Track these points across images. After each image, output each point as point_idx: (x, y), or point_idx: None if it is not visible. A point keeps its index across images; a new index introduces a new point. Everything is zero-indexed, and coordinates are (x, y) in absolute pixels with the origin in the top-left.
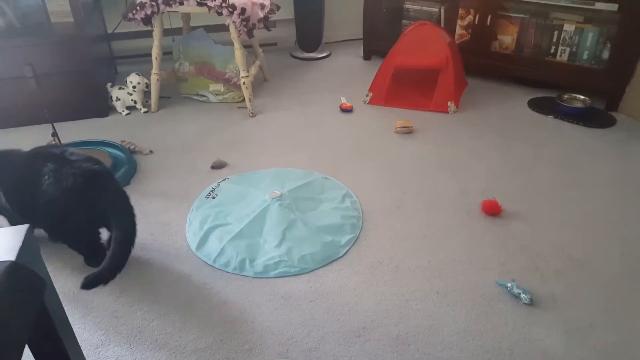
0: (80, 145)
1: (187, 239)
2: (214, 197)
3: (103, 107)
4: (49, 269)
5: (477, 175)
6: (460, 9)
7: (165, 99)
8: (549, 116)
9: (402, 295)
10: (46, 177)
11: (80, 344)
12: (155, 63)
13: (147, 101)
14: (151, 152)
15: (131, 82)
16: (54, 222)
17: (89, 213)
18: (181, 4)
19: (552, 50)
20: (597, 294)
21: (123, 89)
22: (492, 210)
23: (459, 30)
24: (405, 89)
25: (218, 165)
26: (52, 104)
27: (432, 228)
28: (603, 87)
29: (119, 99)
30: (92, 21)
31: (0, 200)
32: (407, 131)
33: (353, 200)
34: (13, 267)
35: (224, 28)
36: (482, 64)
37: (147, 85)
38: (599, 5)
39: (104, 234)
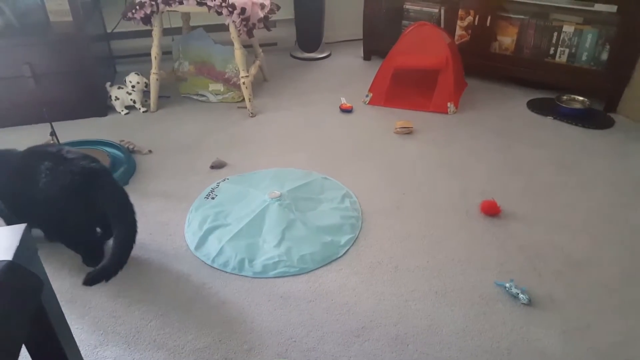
0: (79, 144)
1: (186, 239)
2: (213, 198)
3: (102, 107)
4: (46, 269)
5: (476, 175)
6: (460, 10)
7: (165, 99)
8: (548, 117)
9: (401, 296)
10: (43, 175)
11: (78, 344)
12: (154, 62)
13: (146, 101)
14: (150, 151)
15: (130, 82)
16: (51, 221)
17: (87, 211)
18: (181, 3)
19: (552, 52)
20: (595, 295)
21: (122, 88)
22: (491, 210)
23: (458, 31)
24: (405, 89)
25: (217, 165)
26: (50, 103)
27: (431, 228)
28: (602, 88)
29: (118, 99)
30: (91, 20)
31: None
32: (407, 132)
33: (352, 200)
34: (10, 267)
35: (224, 28)
36: (482, 64)
37: (147, 85)
38: (598, 7)
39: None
